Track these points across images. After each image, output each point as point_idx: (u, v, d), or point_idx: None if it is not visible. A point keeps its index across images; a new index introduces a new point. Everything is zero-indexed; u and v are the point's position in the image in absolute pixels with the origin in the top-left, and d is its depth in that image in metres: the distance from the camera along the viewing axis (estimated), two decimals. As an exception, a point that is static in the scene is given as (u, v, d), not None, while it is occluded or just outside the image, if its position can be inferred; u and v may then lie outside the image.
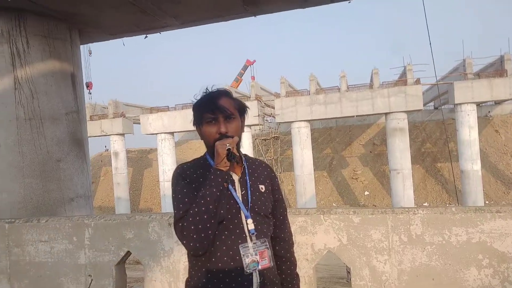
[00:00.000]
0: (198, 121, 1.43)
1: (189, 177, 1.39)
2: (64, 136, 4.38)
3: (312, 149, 21.47)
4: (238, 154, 1.37)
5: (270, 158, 27.36)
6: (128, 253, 2.79)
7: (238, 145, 1.41)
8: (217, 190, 1.29)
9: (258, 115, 21.41)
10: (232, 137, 1.37)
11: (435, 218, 2.29)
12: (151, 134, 24.93)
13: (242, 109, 1.47)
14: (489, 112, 29.40)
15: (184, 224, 1.26)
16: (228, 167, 1.33)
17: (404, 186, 19.58)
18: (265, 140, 27.74)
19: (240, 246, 1.35)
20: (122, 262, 2.84)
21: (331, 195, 26.62)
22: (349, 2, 4.67)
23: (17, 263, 2.99)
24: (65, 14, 4.24)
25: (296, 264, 1.57)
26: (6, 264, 3.01)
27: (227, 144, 1.31)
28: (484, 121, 27.33)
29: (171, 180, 1.43)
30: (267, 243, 1.40)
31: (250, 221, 1.37)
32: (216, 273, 1.33)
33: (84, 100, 4.85)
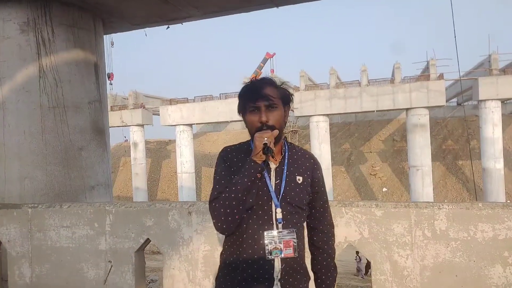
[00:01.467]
0: (242, 109, 1.46)
1: (230, 160, 1.45)
2: (86, 124, 4.46)
3: (331, 144, 21.27)
4: (274, 149, 1.37)
5: (287, 152, 27.22)
6: (147, 241, 2.83)
7: (280, 136, 1.43)
8: (249, 180, 1.34)
9: (276, 109, 21.26)
10: (273, 129, 1.38)
11: (460, 214, 2.22)
12: (170, 125, 25.23)
13: (286, 98, 1.48)
14: (515, 109, 28.35)
15: (216, 205, 1.34)
16: (263, 160, 1.36)
17: (423, 183, 19.18)
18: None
19: (265, 232, 1.39)
20: (141, 249, 2.88)
21: (348, 191, 26.35)
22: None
23: (39, 247, 3.05)
24: (90, 4, 4.30)
25: (333, 256, 1.58)
26: (28, 248, 3.08)
27: (265, 138, 1.34)
28: (508, 118, 26.40)
29: (217, 160, 1.50)
30: (295, 234, 1.41)
31: (279, 210, 1.41)
32: (242, 252, 1.40)
33: (106, 90, 4.93)
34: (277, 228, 1.40)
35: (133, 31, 5.25)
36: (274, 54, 35.34)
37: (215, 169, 1.47)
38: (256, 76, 34.17)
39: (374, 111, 20.63)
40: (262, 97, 1.39)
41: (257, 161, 1.35)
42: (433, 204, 2.30)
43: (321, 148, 20.36)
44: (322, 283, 1.55)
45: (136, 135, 26.88)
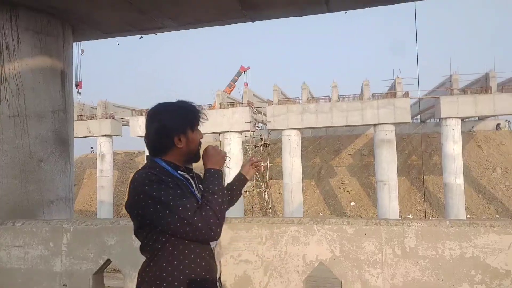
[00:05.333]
0: (188, 127, 1.53)
1: (167, 182, 1.44)
2: (49, 135, 4.23)
3: (302, 158, 21.50)
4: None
5: (258, 165, 27.23)
6: (108, 261, 2.66)
7: None
8: (221, 185, 1.50)
9: (250, 121, 21.36)
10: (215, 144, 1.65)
11: (429, 231, 2.26)
12: (140, 137, 24.60)
13: None
14: (472, 127, 30.07)
15: (209, 212, 1.38)
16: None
17: (389, 197, 19.71)
18: (255, 146, 27.69)
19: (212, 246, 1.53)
20: (100, 271, 2.70)
21: (318, 205, 26.63)
22: (345, 13, 4.69)
23: (-13, 269, 2.80)
24: (59, 10, 4.13)
25: None
26: (-25, 270, 2.82)
27: (223, 150, 1.60)
28: (467, 136, 27.88)
29: (141, 188, 1.40)
30: None
31: None
32: (195, 264, 1.44)
33: (72, 99, 4.72)
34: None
35: (106, 39, 5.09)
36: (249, 68, 35.72)
37: (159, 194, 1.37)
38: (230, 89, 34.33)
39: (343, 126, 21.14)
40: (203, 117, 1.57)
41: (221, 169, 1.54)
42: (403, 222, 2.33)
43: (292, 161, 20.52)
44: None
45: (103, 146, 25.97)
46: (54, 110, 4.27)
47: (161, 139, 1.50)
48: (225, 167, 1.61)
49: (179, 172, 1.50)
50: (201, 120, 1.55)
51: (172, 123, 1.49)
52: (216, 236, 1.42)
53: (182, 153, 1.52)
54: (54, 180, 4.25)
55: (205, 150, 1.58)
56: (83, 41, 5.27)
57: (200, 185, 1.57)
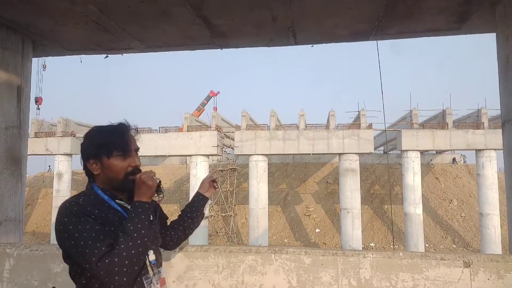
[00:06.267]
0: (103, 153, 1.41)
1: (92, 213, 1.33)
2: (0, 152, 4.00)
3: (268, 183, 21.55)
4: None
5: (226, 190, 26.99)
6: (53, 290, 2.48)
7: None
8: (147, 221, 1.33)
9: (217, 146, 21.28)
10: (150, 170, 1.43)
11: (383, 263, 2.29)
12: (102, 156, 23.73)
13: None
14: (431, 160, 31.74)
15: (115, 259, 1.25)
16: (151, 199, 1.40)
17: (353, 225, 20.05)
18: (222, 171, 27.47)
19: (143, 278, 1.38)
20: (45, 300, 2.51)
21: (283, 231, 26.54)
22: (312, 46, 4.89)
23: None
24: (20, 25, 4.00)
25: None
26: None
27: (157, 178, 1.39)
28: (426, 168, 29.29)
29: (61, 219, 1.31)
30: (164, 270, 1.49)
31: (151, 251, 1.43)
32: None
33: (28, 115, 4.51)
34: (153, 270, 1.42)
35: (69, 56, 4.96)
36: (218, 92, 36.01)
37: (74, 228, 1.28)
38: (199, 113, 34.26)
39: (310, 154, 21.57)
40: (133, 141, 1.46)
41: (148, 201, 1.37)
42: (359, 253, 2.35)
43: (259, 187, 20.51)
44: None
45: (62, 165, 24.72)
46: (7, 126, 4.06)
47: (83, 163, 1.45)
48: (158, 198, 1.46)
49: (117, 201, 1.42)
50: (123, 146, 1.42)
51: (87, 147, 1.43)
52: (122, 286, 1.28)
53: (103, 180, 1.43)
54: (3, 200, 4.00)
55: (135, 179, 1.43)
56: (45, 57, 5.10)
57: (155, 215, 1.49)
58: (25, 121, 4.36)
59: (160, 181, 1.40)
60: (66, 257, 1.39)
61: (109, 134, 1.43)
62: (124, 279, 1.27)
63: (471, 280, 2.20)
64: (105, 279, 1.25)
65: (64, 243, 1.31)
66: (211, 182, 1.94)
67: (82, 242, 1.26)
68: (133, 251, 1.27)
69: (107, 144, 1.40)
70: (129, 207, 1.40)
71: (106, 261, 1.24)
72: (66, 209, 1.32)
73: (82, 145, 1.46)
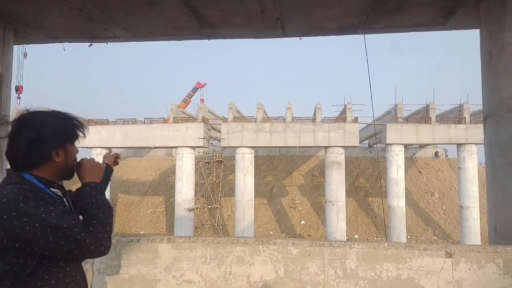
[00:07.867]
0: (64, 140, 1.42)
1: (47, 198, 1.35)
2: (-20, 142, 3.87)
3: (255, 176, 21.61)
4: None
5: (212, 182, 26.94)
6: None
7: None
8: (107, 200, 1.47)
9: (204, 138, 21.18)
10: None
11: (369, 253, 2.34)
12: (86, 147, 23.31)
13: None
14: (414, 154, 32.38)
15: (97, 227, 1.33)
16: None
17: (338, 217, 20.37)
18: (208, 163, 27.38)
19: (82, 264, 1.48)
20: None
21: (269, 223, 26.74)
22: (300, 39, 4.88)
23: None
24: (2, 11, 3.85)
25: None
26: None
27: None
28: (409, 161, 29.88)
29: (17, 205, 1.24)
30: None
31: None
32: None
33: (9, 104, 4.38)
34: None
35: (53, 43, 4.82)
36: (205, 84, 35.70)
37: (34, 212, 1.24)
38: (185, 104, 33.92)
39: (296, 146, 21.70)
40: (83, 130, 1.49)
41: (98, 181, 1.51)
42: (345, 244, 2.40)
43: (245, 179, 20.55)
44: None
45: (44, 156, 24.18)
46: (-13, 115, 3.93)
47: (34, 151, 1.35)
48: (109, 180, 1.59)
49: (51, 189, 1.39)
50: (81, 134, 1.46)
51: (51, 135, 1.37)
52: (106, 250, 1.34)
53: (58, 168, 1.42)
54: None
55: (80, 163, 1.50)
56: (26, 45, 4.94)
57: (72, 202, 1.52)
58: (6, 110, 4.24)
59: (106, 164, 1.77)
60: (1, 252, 1.26)
61: (72, 122, 1.44)
62: (108, 243, 1.34)
63: (452, 270, 2.27)
64: (90, 247, 1.28)
65: (23, 229, 1.22)
66: (115, 158, 2.20)
67: (53, 220, 1.24)
68: (109, 220, 1.38)
69: (73, 132, 1.43)
70: (60, 194, 1.43)
71: (90, 228, 1.30)
72: (17, 194, 1.25)
73: (40, 132, 1.36)
